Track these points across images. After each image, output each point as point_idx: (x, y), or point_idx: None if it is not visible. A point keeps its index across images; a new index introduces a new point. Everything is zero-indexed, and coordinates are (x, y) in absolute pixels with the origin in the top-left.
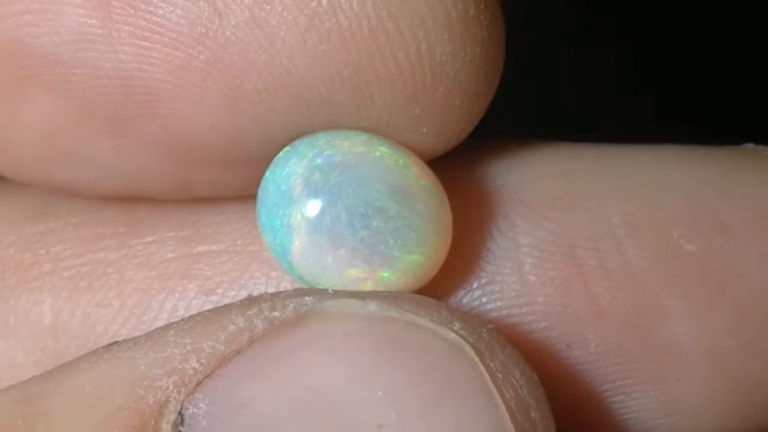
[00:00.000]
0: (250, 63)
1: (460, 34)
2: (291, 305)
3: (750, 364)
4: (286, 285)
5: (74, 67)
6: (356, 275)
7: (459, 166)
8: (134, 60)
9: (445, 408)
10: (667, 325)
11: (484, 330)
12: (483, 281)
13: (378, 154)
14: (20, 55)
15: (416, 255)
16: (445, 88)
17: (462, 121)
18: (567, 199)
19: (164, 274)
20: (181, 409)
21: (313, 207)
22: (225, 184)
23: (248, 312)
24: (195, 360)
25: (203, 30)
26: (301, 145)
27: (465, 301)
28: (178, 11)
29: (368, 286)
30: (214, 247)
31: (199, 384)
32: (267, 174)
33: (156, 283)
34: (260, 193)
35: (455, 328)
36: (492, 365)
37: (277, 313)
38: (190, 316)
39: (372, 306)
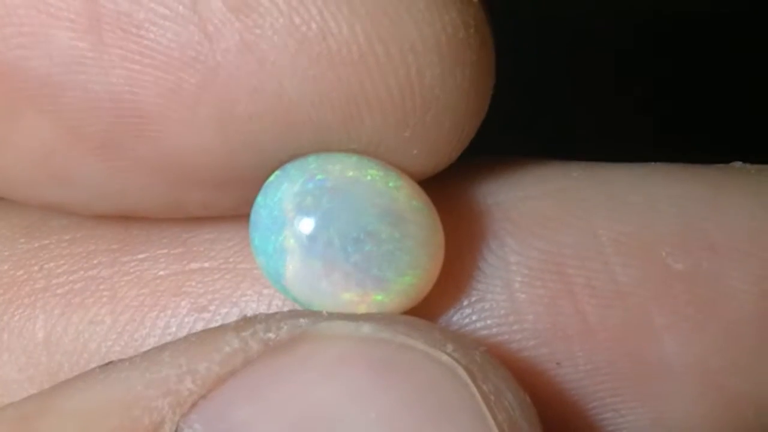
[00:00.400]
0: (241, 87)
1: (450, 58)
2: (285, 327)
3: (738, 382)
4: (278, 303)
5: (66, 90)
6: (350, 299)
7: (450, 185)
8: (125, 83)
9: (438, 430)
10: (655, 343)
11: (477, 352)
12: (473, 299)
13: (369, 177)
14: (12, 77)
15: (409, 277)
16: (435, 112)
17: (452, 143)
18: (556, 217)
19: (157, 291)
20: (177, 429)
21: (305, 232)
22: (217, 204)
23: (243, 333)
24: (190, 381)
25: (194, 54)
26: (292, 168)
27: (455, 319)
28: (169, 35)
29: (362, 309)
30: (206, 265)
31: (194, 405)
32: (259, 199)
33: (148, 300)
34: (253, 217)
35: (448, 350)
36: (484, 387)
37: (271, 335)
38: (185, 337)
39: (366, 328)
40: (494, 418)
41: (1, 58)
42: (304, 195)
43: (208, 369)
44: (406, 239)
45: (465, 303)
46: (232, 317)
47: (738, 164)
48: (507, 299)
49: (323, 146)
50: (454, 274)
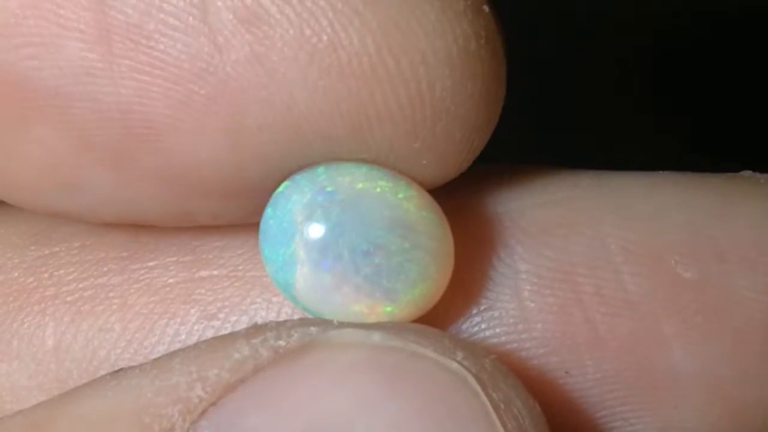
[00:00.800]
0: (251, 98)
1: (461, 70)
2: (296, 334)
3: (747, 392)
4: (287, 311)
5: (75, 101)
6: (360, 310)
7: (460, 193)
8: (135, 94)
9: None
10: (664, 351)
11: (487, 360)
12: (482, 308)
13: (378, 189)
14: (22, 87)
15: (419, 288)
16: (445, 123)
17: (462, 154)
18: (566, 226)
19: (166, 298)
20: None
21: (315, 244)
22: (226, 214)
23: (253, 340)
24: (200, 388)
25: (204, 65)
26: (302, 180)
27: (464, 327)
28: (179, 46)
29: (372, 320)
30: (215, 272)
31: (204, 412)
32: (268, 210)
33: (158, 308)
34: (262, 228)
35: (458, 358)
36: (494, 395)
37: (282, 342)
38: (196, 344)
39: (376, 336)
40: (504, 426)
41: (12, 68)
42: (314, 207)
43: (218, 376)
44: (416, 250)
45: (474, 311)
46: (242, 325)
47: (747, 173)
48: (516, 308)
49: (332, 156)
50: (464, 283)
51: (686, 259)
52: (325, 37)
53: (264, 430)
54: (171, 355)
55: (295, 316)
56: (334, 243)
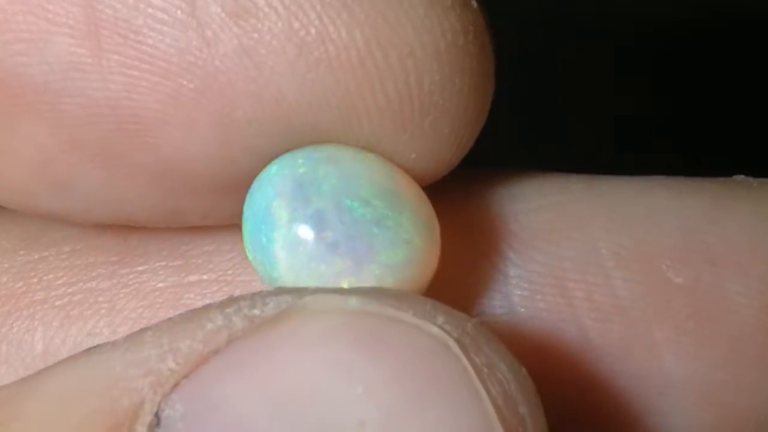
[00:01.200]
0: (239, 92)
1: (449, 65)
2: (271, 303)
3: (739, 398)
4: None
5: (64, 97)
6: (340, 271)
7: (450, 198)
8: (123, 89)
9: (428, 404)
10: (655, 357)
11: (469, 324)
12: (472, 313)
13: (365, 156)
14: (11, 84)
15: (401, 251)
16: (433, 118)
17: (451, 150)
18: (557, 230)
19: (155, 303)
20: (157, 410)
21: (294, 195)
22: (216, 212)
23: (227, 310)
24: (172, 360)
25: (192, 59)
26: (284, 156)
27: None
28: (167, 40)
29: (353, 284)
30: (204, 277)
31: (176, 385)
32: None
33: (147, 313)
34: (245, 203)
35: (438, 322)
36: (477, 360)
37: (256, 311)
38: (169, 317)
39: (353, 301)
40: (488, 391)
41: (0, 65)
42: (294, 166)
43: (191, 347)
44: (402, 216)
45: None
46: None
47: (740, 177)
48: (507, 313)
49: None
50: (454, 288)
51: (678, 264)
52: (313, 30)
53: (237, 402)
54: (144, 329)
55: None
56: (315, 193)
